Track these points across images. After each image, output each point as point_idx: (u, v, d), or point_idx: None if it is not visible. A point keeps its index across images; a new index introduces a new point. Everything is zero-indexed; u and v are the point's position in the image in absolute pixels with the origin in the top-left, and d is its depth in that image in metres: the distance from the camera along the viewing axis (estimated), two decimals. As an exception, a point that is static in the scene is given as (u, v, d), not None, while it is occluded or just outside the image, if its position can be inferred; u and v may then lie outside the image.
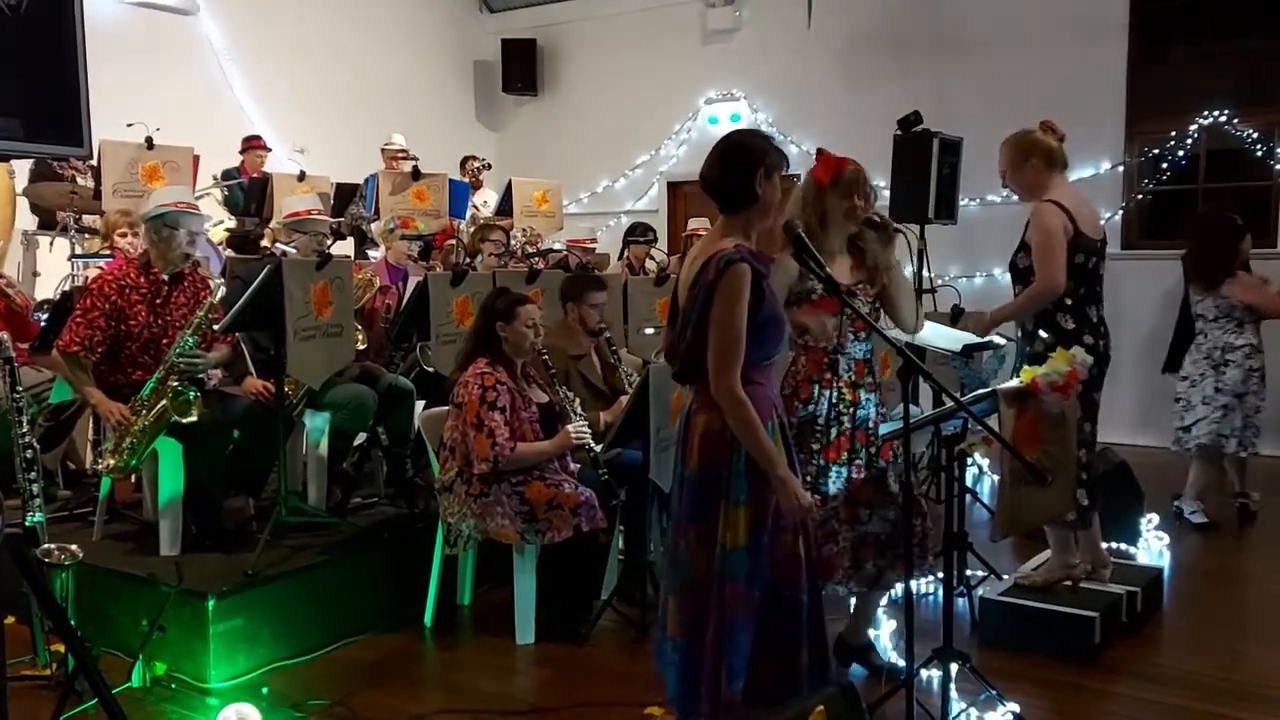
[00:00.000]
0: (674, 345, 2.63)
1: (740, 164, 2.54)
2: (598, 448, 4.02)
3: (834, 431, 3.15)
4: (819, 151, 3.25)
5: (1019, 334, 3.87)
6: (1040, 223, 3.66)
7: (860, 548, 3.19)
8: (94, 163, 5.84)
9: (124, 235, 5.18)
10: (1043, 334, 3.77)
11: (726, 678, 2.50)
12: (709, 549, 2.54)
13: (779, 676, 2.57)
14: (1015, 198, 6.40)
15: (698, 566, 2.57)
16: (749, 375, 2.49)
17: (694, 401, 2.61)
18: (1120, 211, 7.61)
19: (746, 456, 2.50)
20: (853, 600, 3.41)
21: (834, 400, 3.16)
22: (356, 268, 5.28)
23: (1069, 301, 3.68)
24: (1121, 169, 7.66)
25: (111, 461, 3.93)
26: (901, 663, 3.55)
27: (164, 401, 3.85)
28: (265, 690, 3.40)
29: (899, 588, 3.61)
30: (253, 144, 7.56)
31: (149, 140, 5.71)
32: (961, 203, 6.43)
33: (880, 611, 3.90)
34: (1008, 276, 7.29)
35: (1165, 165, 7.50)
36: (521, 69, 10.39)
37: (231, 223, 7.02)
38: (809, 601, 2.60)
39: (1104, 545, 4.49)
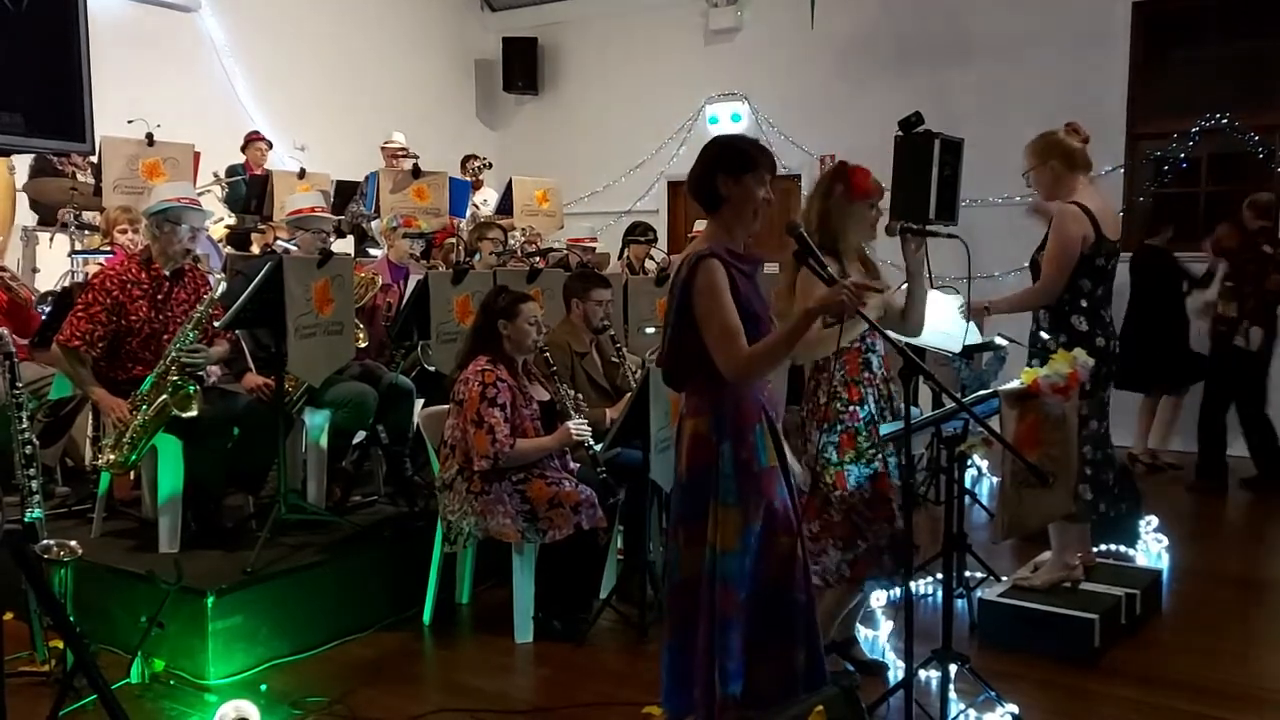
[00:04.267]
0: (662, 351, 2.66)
1: (705, 165, 2.58)
2: (597, 446, 4.02)
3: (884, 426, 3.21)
4: (842, 164, 3.25)
5: (1033, 329, 3.89)
6: (1060, 228, 3.69)
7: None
8: (94, 159, 5.83)
9: (124, 231, 5.17)
10: (1044, 335, 3.78)
11: (721, 680, 2.50)
12: (699, 550, 2.54)
13: (775, 678, 2.57)
14: (1016, 199, 6.41)
15: (687, 567, 2.57)
16: None
17: (683, 406, 2.62)
18: (1121, 215, 7.60)
19: (733, 457, 2.51)
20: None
21: (877, 397, 3.22)
22: (359, 266, 5.28)
23: (1084, 304, 3.71)
24: (1123, 172, 7.67)
25: (112, 457, 3.92)
26: (889, 658, 3.57)
27: (164, 396, 3.85)
28: (264, 688, 3.40)
29: (897, 588, 3.63)
30: (254, 139, 7.56)
31: (150, 137, 5.71)
32: (962, 204, 6.43)
33: (879, 611, 3.91)
34: (1008, 278, 7.34)
35: (1167, 168, 7.50)
36: (522, 67, 10.39)
37: (231, 219, 7.01)
38: (804, 600, 2.60)
39: (1103, 547, 4.50)
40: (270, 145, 7.65)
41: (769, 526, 2.53)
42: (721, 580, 2.50)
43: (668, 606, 2.66)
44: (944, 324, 4.12)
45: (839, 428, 3.19)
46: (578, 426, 3.90)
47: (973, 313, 3.89)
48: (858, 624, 3.64)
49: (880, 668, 3.51)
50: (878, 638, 3.76)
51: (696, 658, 2.53)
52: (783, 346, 2.52)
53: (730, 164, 2.54)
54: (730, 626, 2.50)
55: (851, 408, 3.19)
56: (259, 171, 7.25)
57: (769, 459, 2.55)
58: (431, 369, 4.86)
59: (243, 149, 7.49)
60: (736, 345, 2.44)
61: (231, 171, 7.23)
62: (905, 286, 3.34)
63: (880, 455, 3.20)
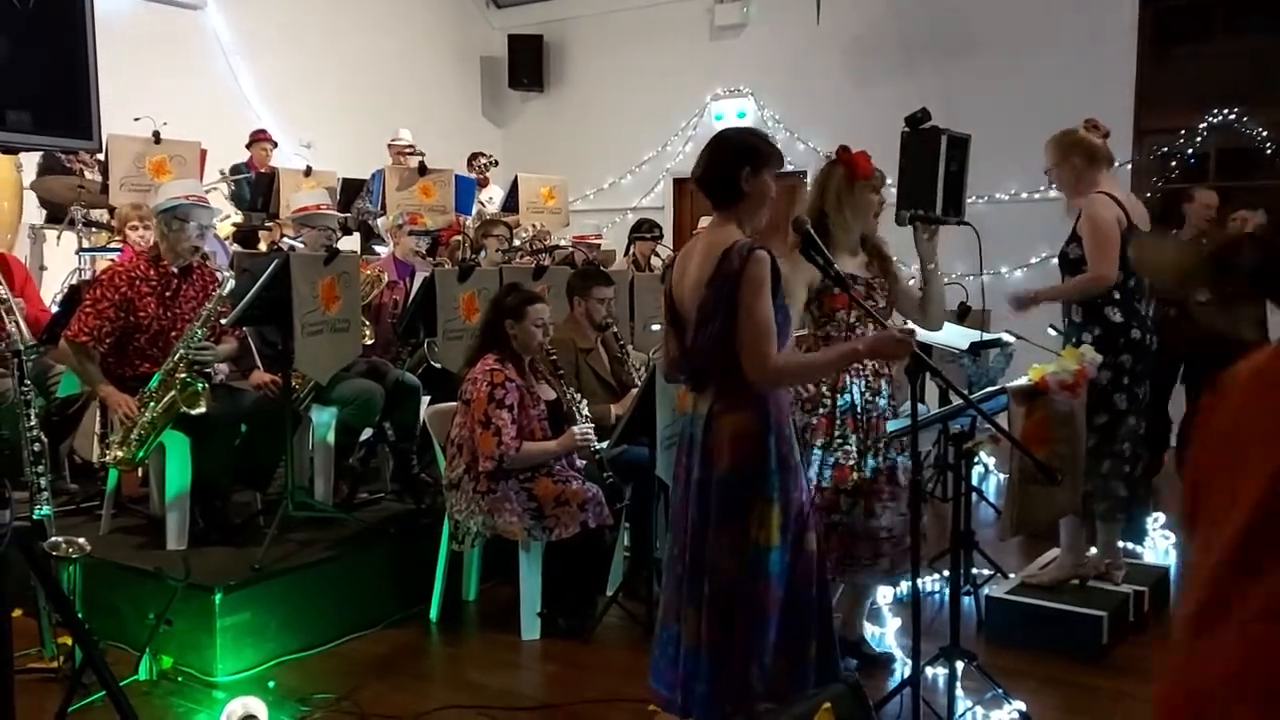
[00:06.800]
0: (687, 346, 2.54)
1: (725, 160, 2.54)
2: (602, 446, 4.00)
3: (867, 419, 3.21)
4: (843, 148, 3.26)
5: (1065, 324, 3.84)
6: (1093, 214, 3.64)
7: (863, 541, 3.21)
8: (101, 156, 5.85)
9: (135, 228, 5.18)
10: (1051, 331, 3.77)
11: (756, 674, 2.49)
12: (742, 548, 2.49)
13: (789, 671, 2.56)
14: (1023, 195, 6.38)
15: (727, 568, 2.51)
16: None
17: (716, 403, 2.50)
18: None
19: (778, 453, 2.49)
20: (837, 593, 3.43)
21: (863, 389, 3.22)
22: (364, 264, 5.28)
23: (1117, 295, 3.66)
24: (1130, 167, 7.64)
25: (119, 454, 3.93)
26: (897, 654, 3.57)
27: (172, 393, 3.86)
28: (272, 684, 3.40)
29: (904, 585, 3.64)
30: (258, 137, 7.57)
31: (156, 134, 5.72)
32: (969, 200, 6.42)
33: (886, 609, 3.91)
34: (1015, 274, 7.33)
35: (1174, 164, 7.47)
36: (528, 65, 10.39)
37: (238, 217, 7.02)
38: (819, 596, 2.59)
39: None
40: (275, 144, 7.66)
41: (799, 522, 2.53)
42: (765, 577, 2.47)
43: (706, 613, 2.51)
44: (952, 325, 4.12)
45: (820, 411, 3.20)
46: (583, 432, 3.89)
47: (1020, 302, 3.87)
48: (864, 621, 3.64)
49: (888, 660, 3.53)
50: (884, 635, 3.75)
51: (732, 656, 2.50)
52: (817, 372, 2.50)
53: (751, 159, 2.52)
54: (770, 622, 2.48)
55: (833, 395, 3.19)
56: (263, 170, 7.26)
57: (797, 454, 2.56)
58: (438, 366, 4.86)
59: (247, 147, 7.50)
60: (771, 347, 2.41)
61: (236, 170, 7.23)
62: (916, 281, 3.34)
63: (845, 447, 3.20)
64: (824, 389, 3.21)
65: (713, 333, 2.45)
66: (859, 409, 3.22)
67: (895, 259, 3.39)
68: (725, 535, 2.51)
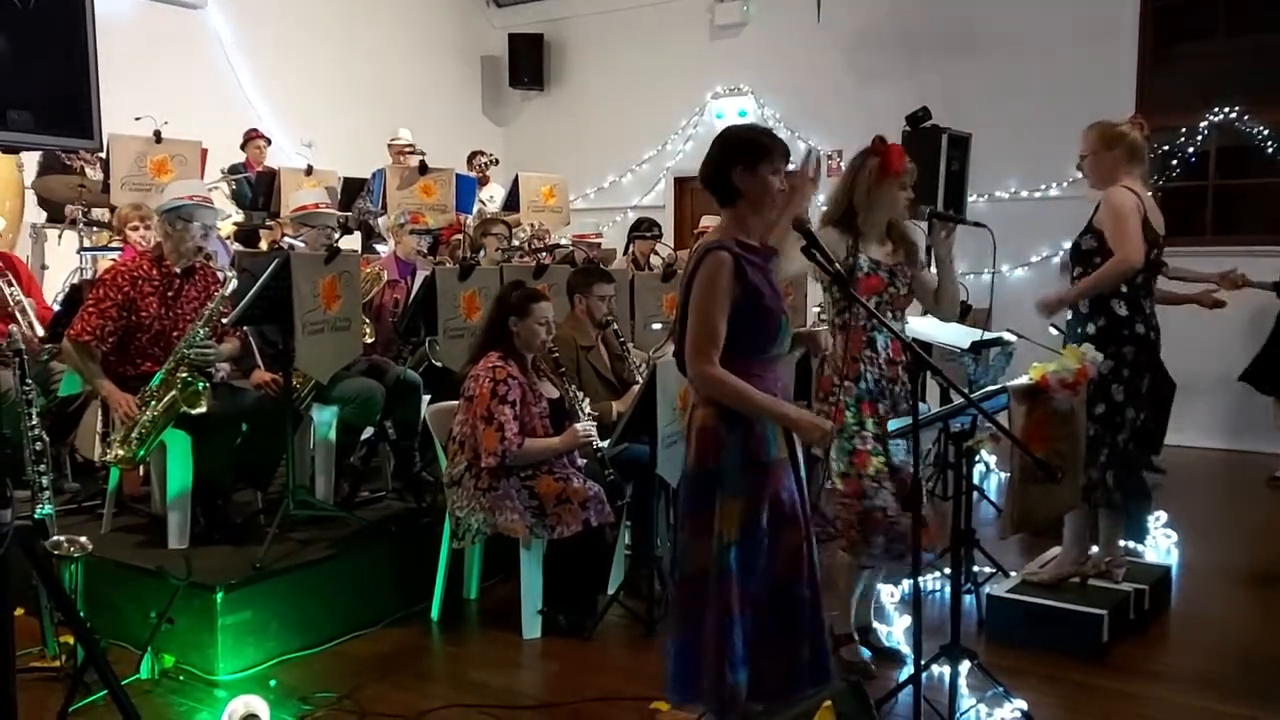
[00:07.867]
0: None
1: (719, 158, 2.56)
2: (604, 444, 4.01)
3: (882, 407, 3.25)
4: (879, 139, 3.29)
5: (1069, 316, 3.85)
6: (1113, 201, 3.65)
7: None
8: (103, 156, 5.86)
9: (135, 229, 5.19)
10: (1052, 330, 3.77)
11: (729, 669, 2.50)
12: (706, 541, 2.53)
13: (780, 672, 2.57)
14: (1024, 194, 6.36)
15: (695, 559, 2.56)
16: (749, 370, 2.49)
17: (694, 395, 2.62)
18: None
19: (741, 449, 2.50)
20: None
21: (877, 376, 3.26)
22: (365, 262, 5.29)
23: (1125, 289, 3.68)
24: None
25: (120, 452, 3.93)
26: (904, 647, 3.58)
27: (173, 392, 3.86)
28: (273, 683, 3.41)
29: (907, 583, 3.65)
30: (252, 136, 7.57)
31: (157, 134, 5.73)
32: (970, 199, 6.42)
33: (891, 607, 3.92)
34: (1016, 273, 7.31)
35: (1175, 162, 7.47)
36: (528, 64, 10.39)
37: (239, 217, 7.03)
38: (809, 595, 2.60)
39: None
40: (269, 142, 7.65)
41: (776, 520, 2.53)
42: (729, 574, 2.49)
43: (675, 600, 2.66)
44: (953, 324, 4.13)
45: (830, 400, 3.23)
46: (585, 429, 3.90)
47: (1049, 308, 3.85)
48: (872, 612, 3.66)
49: (898, 655, 3.54)
50: (891, 633, 3.76)
51: (704, 651, 2.52)
52: (741, 404, 2.49)
53: (745, 155, 2.52)
54: (735, 618, 2.49)
55: (846, 383, 3.21)
56: (259, 169, 7.26)
57: (779, 451, 2.54)
58: (439, 364, 4.87)
59: (242, 147, 7.50)
60: (710, 353, 2.45)
61: (233, 170, 7.24)
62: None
63: (862, 433, 3.23)
64: (835, 378, 3.25)
65: (677, 332, 2.55)
66: (873, 395, 3.25)
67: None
68: (690, 527, 2.57)
